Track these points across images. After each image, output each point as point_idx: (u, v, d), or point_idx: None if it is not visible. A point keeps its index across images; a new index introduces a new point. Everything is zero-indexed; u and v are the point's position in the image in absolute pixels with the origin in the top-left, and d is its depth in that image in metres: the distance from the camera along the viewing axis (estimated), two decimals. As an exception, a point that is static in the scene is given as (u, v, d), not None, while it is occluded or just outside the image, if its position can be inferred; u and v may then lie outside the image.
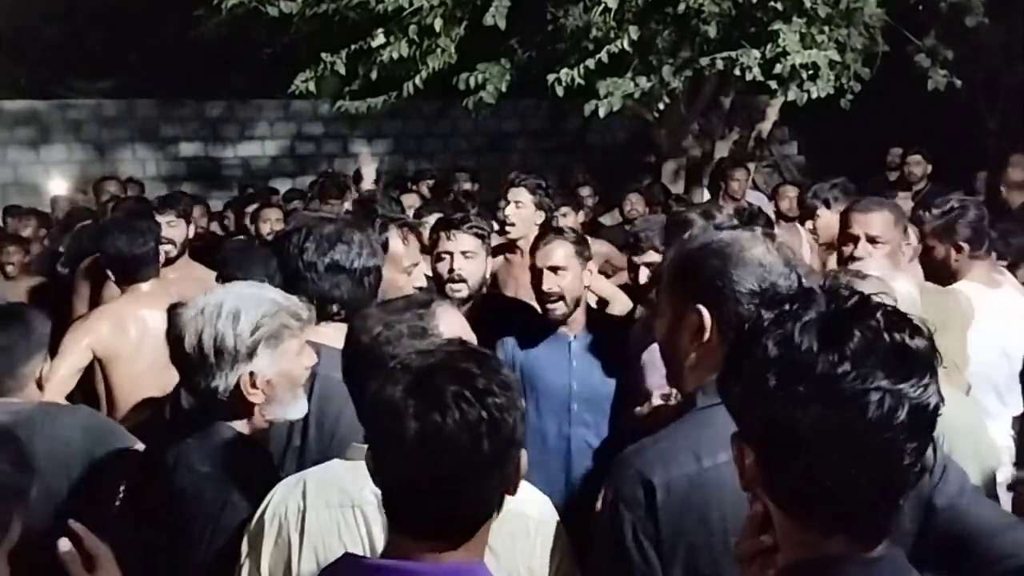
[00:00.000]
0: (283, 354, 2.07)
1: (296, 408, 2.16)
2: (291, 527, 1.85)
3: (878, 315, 1.10)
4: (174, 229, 4.44)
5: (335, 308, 2.49)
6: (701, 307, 1.70)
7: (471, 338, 1.93)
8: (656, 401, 2.76)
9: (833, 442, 1.06)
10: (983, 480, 2.34)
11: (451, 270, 3.47)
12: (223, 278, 3.59)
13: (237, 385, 2.04)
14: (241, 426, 2.09)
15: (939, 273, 3.47)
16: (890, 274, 2.45)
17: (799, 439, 1.07)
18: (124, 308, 3.74)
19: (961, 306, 3.26)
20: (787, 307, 1.12)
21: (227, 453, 2.04)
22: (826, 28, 6.55)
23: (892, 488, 1.11)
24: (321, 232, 2.52)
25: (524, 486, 1.90)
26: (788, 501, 1.14)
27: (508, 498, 1.79)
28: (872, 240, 3.33)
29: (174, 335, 2.07)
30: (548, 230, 3.75)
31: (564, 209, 5.77)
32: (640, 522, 1.61)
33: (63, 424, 2.63)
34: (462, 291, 3.44)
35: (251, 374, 2.04)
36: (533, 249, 3.46)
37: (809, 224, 4.49)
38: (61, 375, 3.48)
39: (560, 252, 3.34)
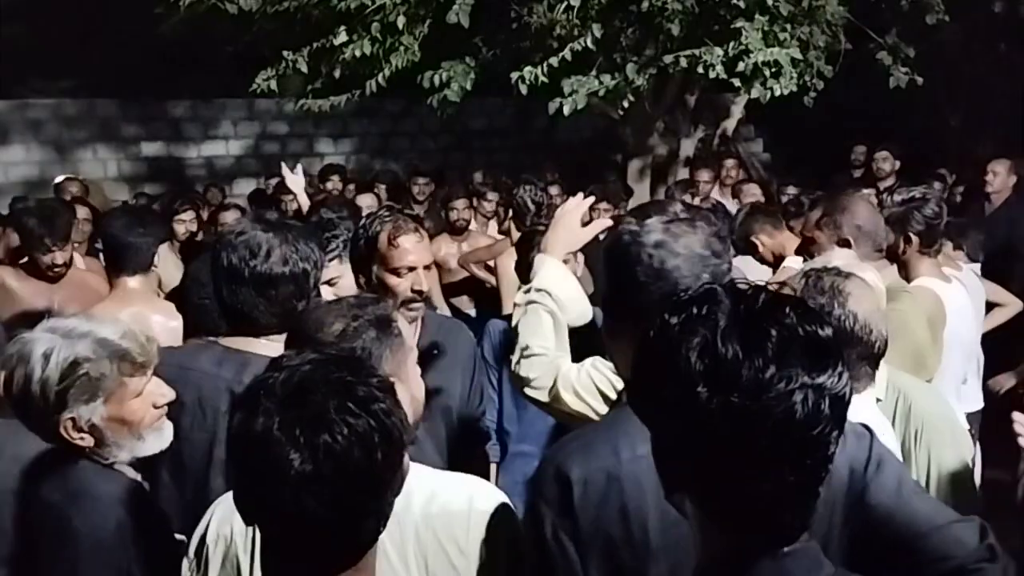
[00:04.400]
0: (108, 401, 1.89)
1: (147, 445, 1.99)
2: (239, 548, 1.76)
3: (788, 309, 1.09)
4: (61, 255, 4.37)
5: (237, 319, 2.36)
6: (611, 315, 1.76)
7: (414, 350, 1.89)
8: None
9: (766, 447, 1.06)
10: (960, 467, 2.33)
11: None
12: None
13: (57, 428, 1.88)
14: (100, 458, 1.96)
15: (890, 262, 3.47)
16: (856, 268, 2.44)
17: (732, 447, 1.07)
18: (108, 311, 3.64)
19: (928, 302, 3.27)
20: (694, 310, 1.10)
21: (79, 484, 1.90)
22: (788, 26, 6.58)
23: (817, 481, 1.12)
24: (231, 238, 2.36)
25: (480, 483, 1.87)
26: (714, 505, 1.13)
27: (473, 497, 1.77)
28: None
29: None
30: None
31: None
32: (558, 518, 1.61)
33: (30, 443, 2.56)
34: None
35: (71, 419, 1.87)
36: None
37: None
38: None
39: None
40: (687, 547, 1.54)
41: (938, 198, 3.52)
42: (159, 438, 2.00)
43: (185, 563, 1.83)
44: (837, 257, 2.74)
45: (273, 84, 7.27)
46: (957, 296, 3.51)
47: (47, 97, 11.03)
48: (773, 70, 6.46)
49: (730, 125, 9.08)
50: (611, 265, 1.76)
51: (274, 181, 9.20)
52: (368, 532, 1.30)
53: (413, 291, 2.76)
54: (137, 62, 10.67)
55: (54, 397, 1.85)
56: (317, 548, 1.28)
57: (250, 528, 1.75)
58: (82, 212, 5.20)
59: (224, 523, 1.79)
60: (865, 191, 6.96)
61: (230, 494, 1.84)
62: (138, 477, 2.01)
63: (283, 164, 5.69)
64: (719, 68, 6.45)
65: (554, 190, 7.68)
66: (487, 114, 12.07)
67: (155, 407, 1.99)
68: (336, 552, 1.28)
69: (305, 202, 5.05)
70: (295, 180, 5.31)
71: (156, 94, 11.20)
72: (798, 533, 1.14)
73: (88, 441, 1.91)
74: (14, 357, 1.89)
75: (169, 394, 2.03)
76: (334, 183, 7.84)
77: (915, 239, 3.40)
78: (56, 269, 4.38)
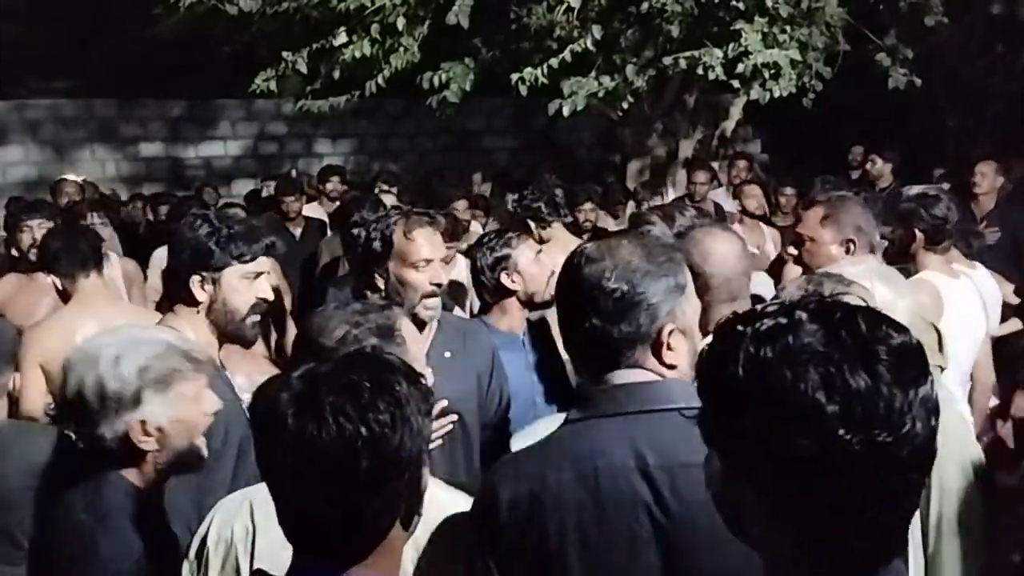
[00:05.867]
0: (176, 399, 1.94)
1: (195, 456, 2.01)
2: (239, 551, 1.78)
3: (885, 326, 1.03)
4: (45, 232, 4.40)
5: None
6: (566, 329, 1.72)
7: (421, 355, 1.89)
8: None
9: (899, 477, 1.02)
10: (965, 483, 2.25)
11: None
12: None
13: (127, 432, 1.90)
14: (132, 475, 1.95)
15: (898, 257, 3.51)
16: (879, 276, 2.43)
17: (864, 483, 1.00)
18: (70, 316, 3.64)
19: (930, 298, 3.28)
20: (790, 340, 1.02)
21: (110, 504, 1.90)
22: (788, 27, 6.60)
23: (917, 504, 1.08)
24: None
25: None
26: (818, 534, 1.06)
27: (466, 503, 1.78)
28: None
29: (60, 381, 1.96)
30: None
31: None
32: (486, 539, 1.61)
33: (38, 444, 2.53)
34: None
35: (141, 421, 1.90)
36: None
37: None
38: (33, 396, 3.47)
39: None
40: (608, 572, 1.55)
41: (951, 199, 3.57)
42: (201, 450, 2.03)
43: (186, 565, 1.84)
44: (862, 264, 2.71)
45: (273, 85, 7.28)
46: (963, 293, 3.53)
47: (45, 97, 11.03)
48: (772, 71, 6.48)
49: (729, 126, 9.10)
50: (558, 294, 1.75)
51: (272, 183, 9.24)
52: (359, 534, 1.32)
53: (431, 284, 2.75)
54: (135, 62, 10.67)
55: (130, 395, 1.88)
56: (309, 534, 1.33)
57: (250, 531, 1.78)
58: (95, 217, 5.14)
59: (226, 526, 1.81)
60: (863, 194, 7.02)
61: (231, 498, 1.87)
62: (163, 498, 2.03)
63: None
64: (718, 69, 6.47)
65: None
66: (486, 115, 12.09)
67: (205, 414, 2.03)
68: (328, 544, 1.32)
69: None
70: None
71: (154, 94, 11.19)
72: (896, 554, 1.09)
73: (152, 445, 1.93)
74: (81, 364, 1.92)
75: (218, 403, 2.06)
76: (334, 184, 7.80)
77: (920, 235, 3.46)
78: (36, 249, 4.30)
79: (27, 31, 11.13)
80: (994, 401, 3.90)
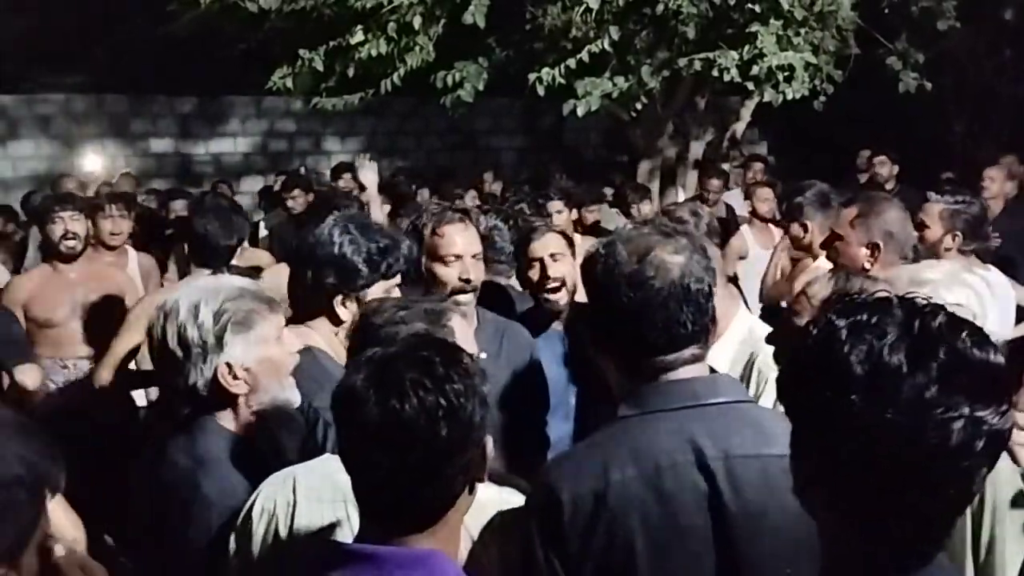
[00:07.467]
0: (258, 340, 2.00)
1: (287, 395, 2.08)
2: (280, 523, 1.84)
3: (965, 334, 1.06)
4: (77, 223, 4.46)
5: None
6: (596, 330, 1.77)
7: (473, 350, 1.94)
8: None
9: (911, 467, 1.04)
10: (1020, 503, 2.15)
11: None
12: None
13: (216, 378, 1.97)
14: (227, 419, 2.02)
15: (926, 256, 3.56)
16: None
17: (876, 461, 1.05)
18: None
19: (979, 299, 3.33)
20: (863, 317, 1.07)
21: (207, 447, 1.99)
22: (802, 30, 6.63)
23: (959, 509, 1.12)
24: None
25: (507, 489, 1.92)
26: (849, 513, 1.12)
27: (506, 499, 1.83)
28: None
29: (148, 339, 2.04)
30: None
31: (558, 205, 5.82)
32: (548, 538, 1.61)
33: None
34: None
35: (228, 364, 1.97)
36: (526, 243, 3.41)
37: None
38: (118, 353, 3.75)
39: (555, 240, 3.30)
40: (676, 569, 1.58)
41: (983, 203, 3.67)
42: (293, 391, 2.10)
43: (232, 536, 1.90)
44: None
45: (289, 82, 7.30)
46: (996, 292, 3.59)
47: (56, 92, 11.05)
48: (786, 74, 6.51)
49: (739, 128, 9.11)
50: (588, 290, 1.79)
51: (282, 178, 9.27)
52: (430, 503, 1.41)
53: (461, 280, 2.76)
54: (145, 58, 10.69)
55: (213, 339, 1.96)
56: (382, 505, 1.41)
57: (291, 503, 1.85)
58: (113, 209, 5.15)
59: (269, 499, 1.87)
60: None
61: (279, 473, 1.93)
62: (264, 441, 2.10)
63: (358, 157, 5.75)
64: (733, 71, 6.49)
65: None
66: (494, 114, 12.12)
67: (290, 353, 2.11)
68: (399, 513, 1.40)
69: (375, 196, 5.19)
70: (368, 176, 5.30)
71: (164, 90, 11.22)
72: (928, 552, 1.13)
73: (243, 388, 2.00)
74: (161, 318, 2.00)
75: (300, 343, 2.16)
76: (347, 181, 7.87)
77: (959, 236, 3.57)
78: (68, 242, 4.39)
79: (38, 26, 11.14)
80: None
